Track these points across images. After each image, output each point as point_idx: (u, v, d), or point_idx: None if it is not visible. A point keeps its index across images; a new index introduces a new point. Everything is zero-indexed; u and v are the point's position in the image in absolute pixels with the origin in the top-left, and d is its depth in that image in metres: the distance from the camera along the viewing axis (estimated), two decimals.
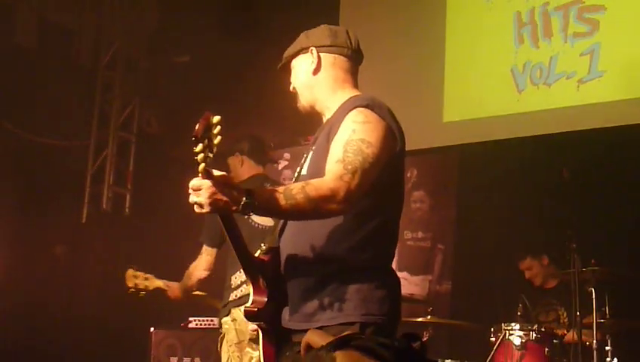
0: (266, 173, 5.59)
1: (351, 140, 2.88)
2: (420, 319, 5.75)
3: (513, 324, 5.54)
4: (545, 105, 6.34)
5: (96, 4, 8.17)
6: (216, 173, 2.73)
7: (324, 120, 3.20)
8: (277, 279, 2.97)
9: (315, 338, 1.96)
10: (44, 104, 7.47)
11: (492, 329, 5.64)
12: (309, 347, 2.00)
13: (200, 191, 2.70)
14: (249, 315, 2.92)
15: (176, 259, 7.83)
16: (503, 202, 6.62)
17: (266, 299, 2.91)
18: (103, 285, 6.41)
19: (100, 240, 7.60)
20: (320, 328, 2.80)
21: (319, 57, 3.19)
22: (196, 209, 2.73)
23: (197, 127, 2.64)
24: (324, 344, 1.86)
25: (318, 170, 2.94)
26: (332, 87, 3.19)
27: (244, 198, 2.70)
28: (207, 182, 2.68)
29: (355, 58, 3.25)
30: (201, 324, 6.57)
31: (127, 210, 8.34)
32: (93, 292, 5.64)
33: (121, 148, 8.45)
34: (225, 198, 2.69)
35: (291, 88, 3.26)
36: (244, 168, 5.59)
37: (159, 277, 5.45)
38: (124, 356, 7.20)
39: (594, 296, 5.29)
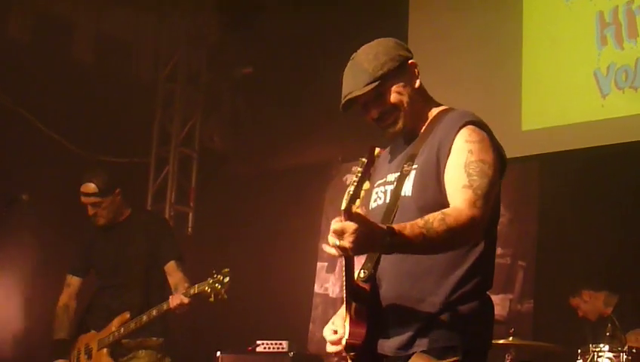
0: None
1: (470, 162, 2.88)
2: (501, 341, 5.67)
3: (602, 345, 5.46)
4: (632, 110, 6.26)
5: (154, 17, 8.27)
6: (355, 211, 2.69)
7: (409, 134, 3.13)
8: (372, 305, 2.94)
9: None
10: (103, 120, 7.56)
11: (579, 351, 5.58)
12: None
13: (344, 236, 2.65)
14: (351, 347, 2.89)
15: (242, 280, 7.90)
16: (588, 215, 6.51)
17: (365, 331, 2.90)
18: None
19: None
20: (420, 352, 2.87)
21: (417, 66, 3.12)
22: (336, 252, 2.69)
23: (366, 163, 2.67)
24: None
25: (424, 190, 2.93)
26: (426, 99, 3.15)
27: (387, 238, 2.68)
28: (352, 226, 2.63)
29: None
30: (269, 348, 6.58)
31: (189, 230, 8.40)
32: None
33: (182, 164, 8.51)
34: (369, 241, 2.66)
35: (378, 115, 3.09)
36: (123, 207, 5.56)
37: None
38: None
39: None
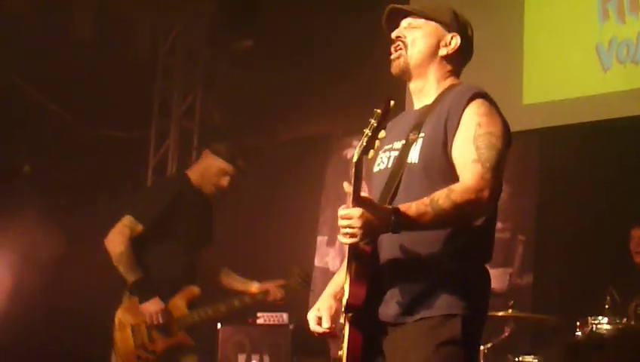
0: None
1: (479, 135, 2.95)
2: (500, 313, 5.74)
3: (600, 318, 5.49)
4: (633, 84, 6.25)
5: None
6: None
7: (418, 102, 3.24)
8: (372, 268, 2.99)
9: None
10: (103, 95, 7.57)
11: (578, 324, 5.60)
12: None
13: (351, 221, 2.77)
14: (350, 308, 2.95)
15: (242, 253, 7.95)
16: (588, 189, 6.55)
17: (365, 292, 2.96)
18: None
19: None
20: (420, 320, 2.94)
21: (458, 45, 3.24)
22: (346, 239, 2.81)
23: (381, 114, 2.76)
24: None
25: (432, 158, 3.00)
26: (446, 74, 3.24)
27: (392, 217, 2.77)
28: (357, 211, 2.74)
29: None
30: (269, 320, 6.64)
31: None
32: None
33: (183, 138, 8.48)
34: (377, 223, 2.77)
35: (397, 34, 3.23)
36: None
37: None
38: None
39: None
